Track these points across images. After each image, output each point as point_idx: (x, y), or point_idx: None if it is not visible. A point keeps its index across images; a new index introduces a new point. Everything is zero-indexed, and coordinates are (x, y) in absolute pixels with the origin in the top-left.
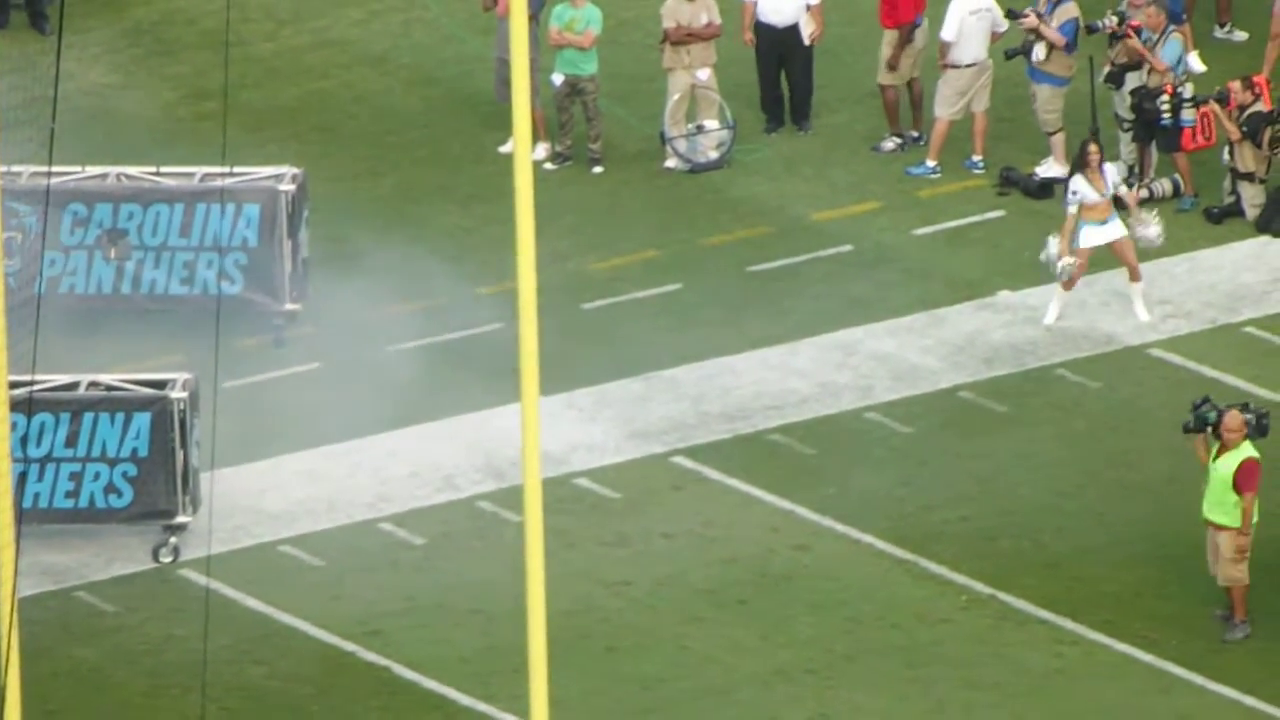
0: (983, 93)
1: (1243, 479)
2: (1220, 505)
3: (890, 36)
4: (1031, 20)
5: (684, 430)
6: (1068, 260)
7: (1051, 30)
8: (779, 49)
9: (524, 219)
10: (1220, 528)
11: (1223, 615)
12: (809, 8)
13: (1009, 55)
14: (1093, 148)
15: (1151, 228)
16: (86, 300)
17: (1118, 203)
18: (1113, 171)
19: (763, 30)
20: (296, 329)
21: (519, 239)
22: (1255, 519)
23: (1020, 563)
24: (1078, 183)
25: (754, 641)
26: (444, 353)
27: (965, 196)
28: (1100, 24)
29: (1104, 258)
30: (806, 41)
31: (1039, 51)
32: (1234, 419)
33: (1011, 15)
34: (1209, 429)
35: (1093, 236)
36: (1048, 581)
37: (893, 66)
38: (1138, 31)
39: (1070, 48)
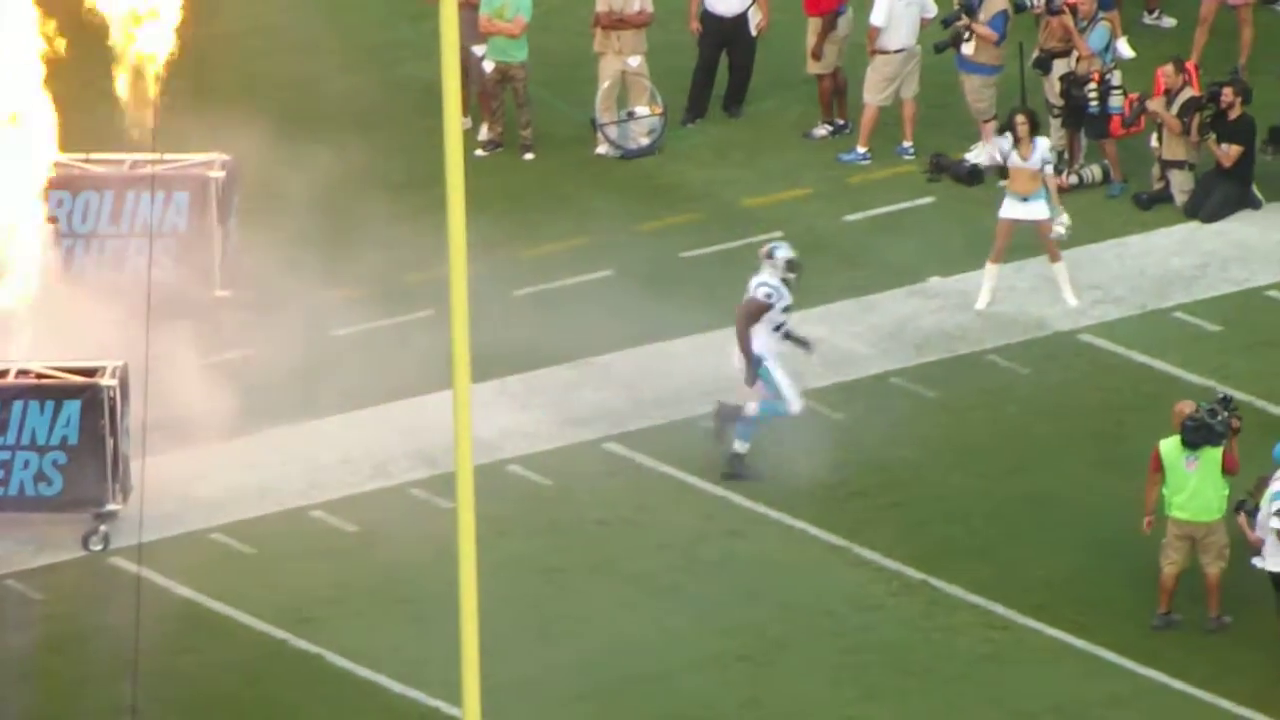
0: (912, 79)
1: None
2: (1221, 499)
3: (814, 24)
4: (964, 22)
5: (616, 417)
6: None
7: (983, 28)
8: (723, 38)
9: (455, 206)
10: (1216, 522)
11: (1218, 619)
12: None
13: (939, 49)
14: (1019, 118)
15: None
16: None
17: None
18: (1042, 146)
19: (709, 20)
20: (226, 316)
21: (450, 226)
22: None
23: (952, 548)
24: (1005, 143)
25: (687, 628)
26: (375, 340)
27: (896, 183)
28: (1029, 2)
29: (1034, 244)
30: (754, 32)
31: (968, 46)
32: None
33: (946, 24)
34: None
35: (1014, 210)
36: (979, 567)
37: (817, 57)
38: (1073, 10)
39: (1000, 39)
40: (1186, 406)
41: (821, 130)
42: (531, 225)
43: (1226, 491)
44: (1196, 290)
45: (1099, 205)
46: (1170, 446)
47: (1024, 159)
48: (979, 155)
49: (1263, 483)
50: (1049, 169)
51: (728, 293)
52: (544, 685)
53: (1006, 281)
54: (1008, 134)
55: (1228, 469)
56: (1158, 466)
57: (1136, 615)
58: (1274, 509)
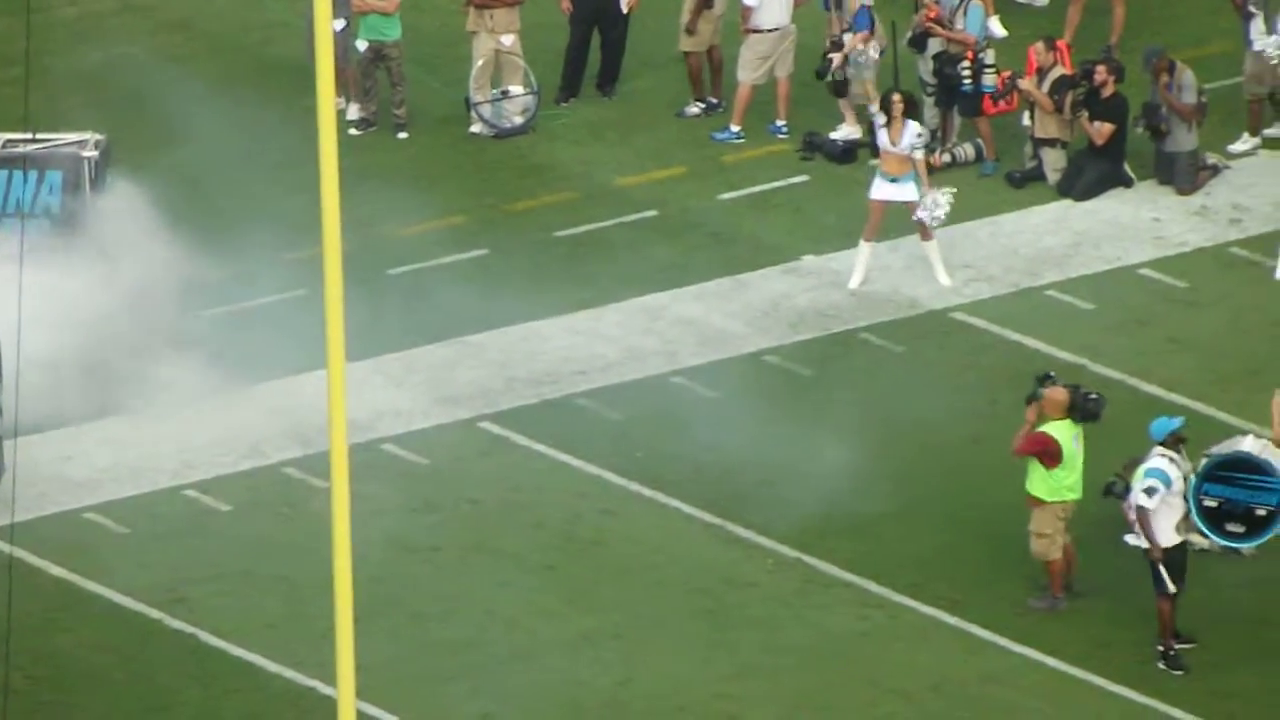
0: (786, 58)
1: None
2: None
3: (690, 1)
4: (835, 63)
5: (491, 396)
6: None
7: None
8: (595, 17)
9: (328, 184)
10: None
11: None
12: None
13: (820, 76)
14: (895, 97)
15: (939, 209)
16: None
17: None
18: (912, 130)
19: None
20: (100, 295)
21: (324, 205)
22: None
23: (826, 526)
24: (879, 132)
25: (560, 606)
26: (250, 319)
27: (769, 161)
28: None
29: (907, 224)
30: (624, 9)
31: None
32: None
33: (819, 75)
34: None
35: (884, 190)
36: (853, 545)
37: (691, 32)
38: (939, 22)
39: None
40: (1060, 392)
41: (693, 109)
42: (406, 204)
43: None
44: (1069, 268)
45: (972, 184)
46: (1061, 430)
47: (894, 142)
48: (847, 133)
49: (1133, 463)
50: (918, 153)
51: (601, 272)
52: (418, 665)
53: (880, 260)
54: (880, 110)
55: None
56: (1059, 453)
57: (1010, 593)
58: (1144, 485)
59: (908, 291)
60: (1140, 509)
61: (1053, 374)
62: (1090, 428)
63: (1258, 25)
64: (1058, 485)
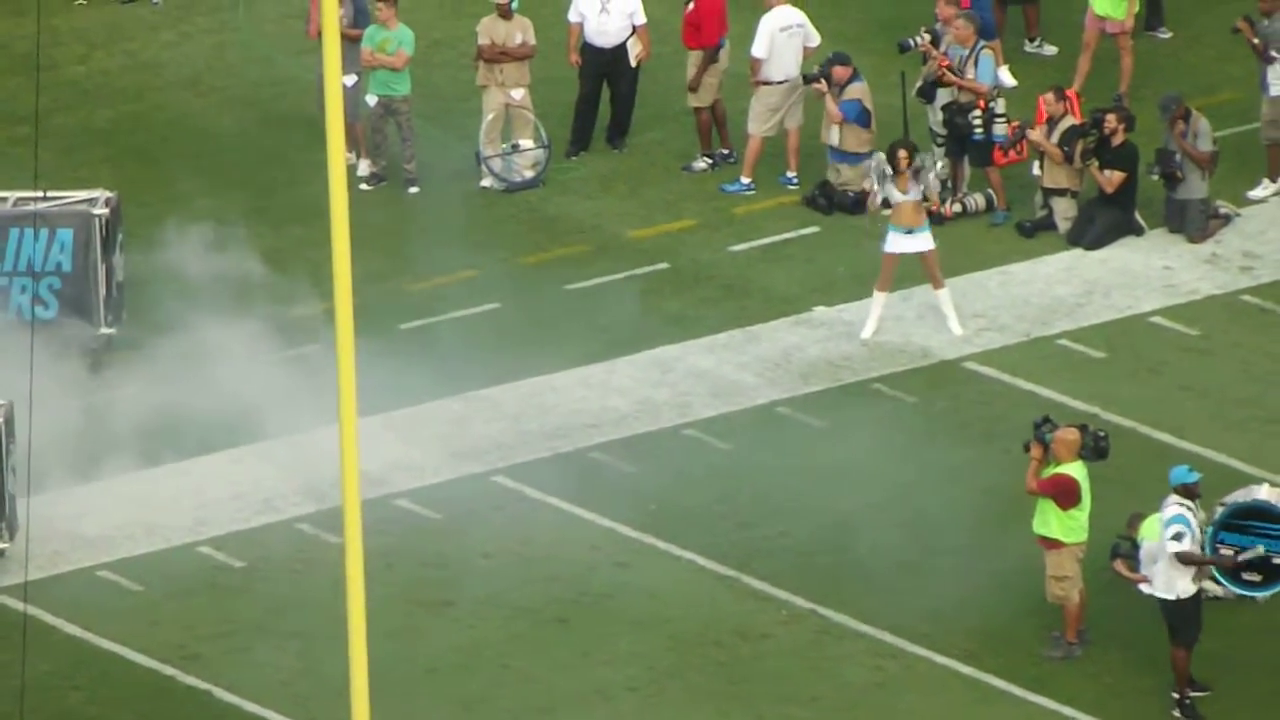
0: (795, 109)
1: None
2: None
3: (694, 57)
4: (821, 87)
5: (504, 450)
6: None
7: (833, 106)
8: (604, 70)
9: (339, 239)
10: None
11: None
12: (635, 29)
13: (806, 80)
14: (901, 153)
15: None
16: None
17: (931, 216)
18: (930, 176)
19: (589, 51)
20: (112, 353)
21: (335, 260)
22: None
23: (839, 577)
24: (887, 186)
25: (575, 660)
26: (261, 375)
27: (780, 213)
28: (911, 42)
29: (919, 274)
30: (633, 63)
31: (833, 135)
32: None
33: (807, 79)
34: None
35: (899, 244)
36: (867, 596)
37: (693, 89)
38: (935, 41)
39: (863, 123)
40: (1071, 433)
41: (700, 164)
42: (417, 258)
43: None
44: (1081, 317)
45: (983, 233)
46: (1081, 473)
47: (903, 192)
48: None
49: (1136, 520)
50: (934, 187)
51: (613, 324)
52: (433, 719)
53: (892, 310)
54: (883, 161)
55: None
56: (1078, 494)
57: (1025, 642)
58: (1171, 534)
59: (919, 341)
60: (1180, 554)
61: (1050, 417)
62: (1103, 475)
63: (1277, 70)
64: (1075, 525)
